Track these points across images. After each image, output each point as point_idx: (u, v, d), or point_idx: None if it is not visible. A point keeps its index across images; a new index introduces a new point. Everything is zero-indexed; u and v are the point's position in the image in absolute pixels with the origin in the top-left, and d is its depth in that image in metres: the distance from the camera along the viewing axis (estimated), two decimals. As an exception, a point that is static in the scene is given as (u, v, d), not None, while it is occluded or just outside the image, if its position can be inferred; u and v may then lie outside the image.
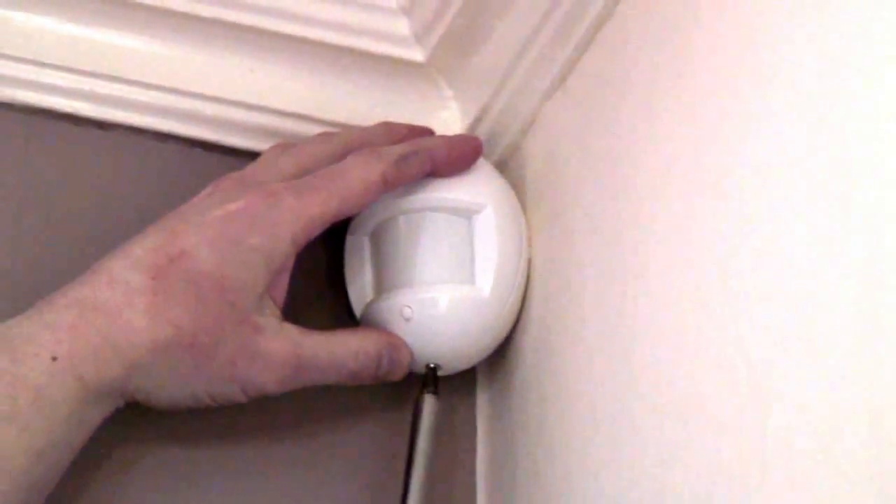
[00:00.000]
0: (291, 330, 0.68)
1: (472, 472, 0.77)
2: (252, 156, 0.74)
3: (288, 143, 0.74)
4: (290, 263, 0.68)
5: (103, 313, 0.63)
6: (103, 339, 0.63)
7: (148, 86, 0.76)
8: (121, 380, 0.63)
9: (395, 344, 0.72)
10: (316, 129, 0.76)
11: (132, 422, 0.67)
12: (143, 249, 0.65)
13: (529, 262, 0.74)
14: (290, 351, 0.67)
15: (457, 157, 0.74)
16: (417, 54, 0.77)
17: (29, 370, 0.61)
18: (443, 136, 0.76)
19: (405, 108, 0.79)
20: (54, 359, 0.61)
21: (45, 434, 0.61)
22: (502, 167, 0.78)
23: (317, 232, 0.68)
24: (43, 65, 0.75)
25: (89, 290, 0.64)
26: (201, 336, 0.64)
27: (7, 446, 0.60)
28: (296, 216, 0.67)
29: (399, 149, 0.71)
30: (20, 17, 0.75)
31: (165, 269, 0.64)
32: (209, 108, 0.77)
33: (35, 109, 0.75)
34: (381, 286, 0.75)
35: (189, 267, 0.65)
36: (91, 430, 0.64)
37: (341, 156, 0.71)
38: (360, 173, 0.69)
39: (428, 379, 0.73)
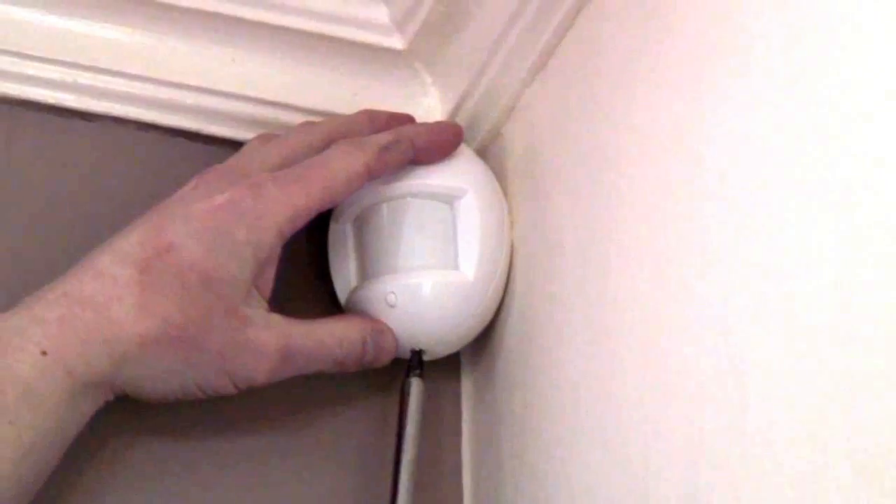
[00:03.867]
0: (279, 320, 0.68)
1: (458, 454, 0.77)
2: (235, 145, 0.74)
3: (270, 134, 0.74)
4: (277, 255, 0.68)
5: (91, 307, 0.63)
6: (92, 333, 0.63)
7: (130, 76, 0.76)
8: (110, 373, 0.63)
9: (380, 329, 0.72)
10: (297, 118, 0.76)
11: (123, 415, 0.67)
12: (129, 243, 0.65)
13: (512, 246, 0.75)
14: (278, 341, 0.67)
15: (438, 144, 0.74)
16: (397, 42, 0.78)
17: (17, 364, 0.61)
18: (424, 124, 0.76)
19: (386, 96, 0.79)
20: (44, 353, 0.61)
21: (33, 428, 0.61)
22: (483, 153, 0.78)
23: (302, 223, 0.68)
24: (25, 56, 0.75)
25: (77, 284, 0.64)
26: (190, 329, 0.64)
27: None
28: (281, 207, 0.67)
29: (381, 138, 0.71)
30: (1, 10, 0.75)
31: (152, 262, 0.64)
32: (191, 98, 0.77)
33: (18, 101, 0.75)
34: (365, 273, 0.75)
35: (176, 260, 0.65)
36: (81, 425, 0.64)
37: (324, 145, 0.71)
38: (344, 164, 0.69)
39: (413, 363, 0.73)
